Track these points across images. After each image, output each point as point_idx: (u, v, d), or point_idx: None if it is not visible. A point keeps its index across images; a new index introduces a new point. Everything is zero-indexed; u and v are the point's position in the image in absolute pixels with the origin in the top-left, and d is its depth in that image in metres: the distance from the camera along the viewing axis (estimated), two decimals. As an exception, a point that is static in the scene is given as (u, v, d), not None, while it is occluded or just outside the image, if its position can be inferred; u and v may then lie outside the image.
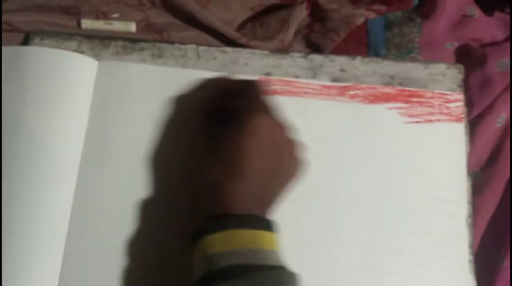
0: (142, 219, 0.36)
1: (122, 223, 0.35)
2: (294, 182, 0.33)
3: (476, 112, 0.41)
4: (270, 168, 0.30)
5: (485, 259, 0.37)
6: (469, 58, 0.43)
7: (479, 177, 0.40)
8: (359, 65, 0.41)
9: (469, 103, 0.41)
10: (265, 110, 0.32)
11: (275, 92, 0.39)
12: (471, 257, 0.36)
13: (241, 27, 0.44)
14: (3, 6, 0.43)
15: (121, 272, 0.35)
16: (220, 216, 0.28)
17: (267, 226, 0.29)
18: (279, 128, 0.31)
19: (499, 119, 0.41)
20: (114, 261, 0.35)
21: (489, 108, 0.41)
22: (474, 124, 0.41)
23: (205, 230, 0.28)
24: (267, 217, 0.30)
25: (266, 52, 0.41)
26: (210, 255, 0.27)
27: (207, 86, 0.38)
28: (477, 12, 0.44)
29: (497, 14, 0.44)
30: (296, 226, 0.36)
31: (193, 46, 0.41)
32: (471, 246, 0.37)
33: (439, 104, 0.39)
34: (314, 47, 0.43)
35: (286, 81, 0.40)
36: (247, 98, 0.32)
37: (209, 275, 0.27)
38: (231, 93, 0.34)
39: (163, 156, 0.37)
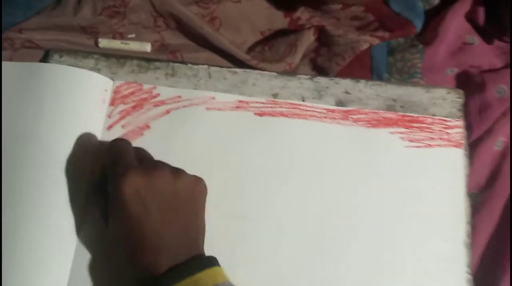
0: None
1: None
2: (201, 201, 0.33)
3: (475, 136, 0.42)
4: (168, 213, 0.30)
5: (483, 279, 0.38)
6: (468, 84, 0.44)
7: (478, 197, 0.41)
8: (363, 88, 0.42)
9: (469, 127, 0.42)
10: (128, 169, 0.30)
11: (282, 114, 0.41)
12: (470, 277, 0.37)
13: (251, 49, 0.46)
14: (25, 24, 0.45)
15: None
16: (150, 282, 0.29)
17: (198, 266, 0.29)
18: (152, 173, 0.30)
19: (497, 142, 0.42)
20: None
21: (488, 132, 0.42)
22: (473, 147, 0.42)
23: None
24: (201, 249, 0.31)
25: (274, 73, 0.43)
26: None
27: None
28: (477, 40, 0.46)
29: (496, 42, 0.46)
30: (294, 246, 0.37)
31: (205, 66, 0.43)
32: (470, 266, 0.37)
33: (439, 130, 0.40)
34: (319, 70, 0.45)
35: (292, 104, 0.41)
36: (110, 169, 0.32)
37: None
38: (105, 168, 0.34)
39: None
